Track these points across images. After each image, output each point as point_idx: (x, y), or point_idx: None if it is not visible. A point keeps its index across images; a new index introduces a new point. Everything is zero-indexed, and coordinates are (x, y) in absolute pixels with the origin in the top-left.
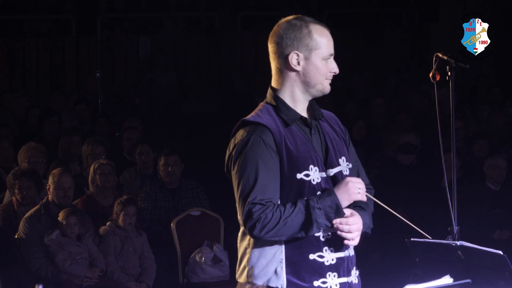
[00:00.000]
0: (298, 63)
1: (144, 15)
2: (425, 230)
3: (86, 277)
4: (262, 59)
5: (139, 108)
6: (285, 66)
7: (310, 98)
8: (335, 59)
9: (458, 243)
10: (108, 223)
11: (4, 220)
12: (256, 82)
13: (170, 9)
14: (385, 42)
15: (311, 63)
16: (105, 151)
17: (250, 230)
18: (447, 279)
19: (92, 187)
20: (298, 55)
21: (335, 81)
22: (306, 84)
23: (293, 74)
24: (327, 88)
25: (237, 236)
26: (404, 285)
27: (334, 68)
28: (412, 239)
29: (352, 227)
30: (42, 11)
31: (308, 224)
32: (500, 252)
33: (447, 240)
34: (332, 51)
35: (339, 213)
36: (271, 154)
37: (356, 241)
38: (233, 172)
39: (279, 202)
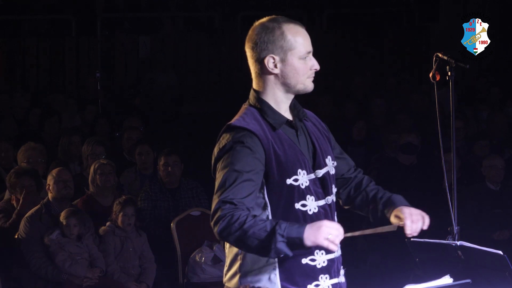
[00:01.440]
0: (275, 66)
1: (144, 15)
2: (425, 230)
3: (86, 277)
4: None
5: (139, 108)
6: (262, 70)
7: (292, 97)
8: (335, 58)
9: (458, 243)
10: (107, 223)
11: (4, 219)
12: None
13: (170, 9)
14: (385, 42)
15: (288, 64)
16: (105, 151)
17: (214, 226)
18: (447, 279)
19: (92, 187)
20: (274, 58)
21: (335, 81)
22: (286, 85)
23: (271, 77)
24: (309, 87)
25: None
26: (404, 285)
27: (314, 65)
28: (412, 239)
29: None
30: (42, 11)
31: (266, 245)
32: (500, 252)
33: (447, 240)
34: (309, 48)
35: (301, 247)
36: (254, 160)
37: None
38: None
39: (253, 211)
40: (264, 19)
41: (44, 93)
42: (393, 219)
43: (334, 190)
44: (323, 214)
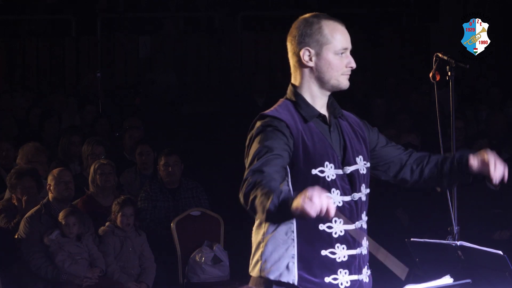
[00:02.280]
0: (310, 59)
1: (144, 15)
2: (425, 230)
3: (86, 277)
4: (262, 59)
5: (139, 108)
6: (299, 63)
7: (328, 93)
8: None
9: (458, 243)
10: (107, 223)
11: (6, 219)
12: (256, 82)
13: (170, 9)
14: (385, 42)
15: (323, 58)
16: (105, 151)
17: (240, 193)
18: (447, 279)
19: (92, 187)
20: (309, 51)
21: None
22: (320, 80)
23: (307, 70)
24: (343, 84)
25: (237, 236)
26: (404, 285)
27: (350, 62)
28: (412, 239)
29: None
30: (42, 11)
31: (263, 206)
32: (500, 252)
33: (447, 240)
34: (346, 45)
35: (288, 211)
36: (283, 141)
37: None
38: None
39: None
40: (306, 15)
41: (44, 93)
42: (473, 161)
43: (365, 190)
44: (348, 209)
